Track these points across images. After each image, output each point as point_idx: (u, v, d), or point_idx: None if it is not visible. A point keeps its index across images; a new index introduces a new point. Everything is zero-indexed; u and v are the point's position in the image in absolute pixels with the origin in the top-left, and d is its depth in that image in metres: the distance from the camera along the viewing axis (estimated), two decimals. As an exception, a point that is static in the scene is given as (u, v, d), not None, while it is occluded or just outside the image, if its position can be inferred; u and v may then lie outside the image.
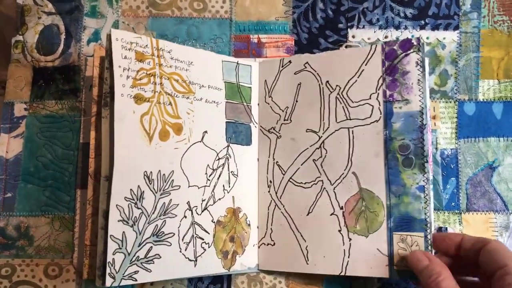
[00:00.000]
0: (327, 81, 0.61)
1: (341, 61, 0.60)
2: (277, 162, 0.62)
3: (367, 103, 0.58)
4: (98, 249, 0.52)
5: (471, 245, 0.52)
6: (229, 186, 0.60)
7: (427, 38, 0.65)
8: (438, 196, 0.63)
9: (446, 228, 0.62)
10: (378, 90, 0.58)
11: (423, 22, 0.66)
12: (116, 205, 0.51)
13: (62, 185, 0.62)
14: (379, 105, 0.58)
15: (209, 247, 0.58)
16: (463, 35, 0.65)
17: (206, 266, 0.57)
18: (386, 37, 0.65)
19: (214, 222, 0.58)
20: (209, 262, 0.57)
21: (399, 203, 0.55)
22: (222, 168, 0.60)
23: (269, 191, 0.62)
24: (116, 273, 0.50)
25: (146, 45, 0.56)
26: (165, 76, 0.57)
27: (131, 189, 0.52)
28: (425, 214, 0.54)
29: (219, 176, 0.59)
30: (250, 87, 0.63)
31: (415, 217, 0.55)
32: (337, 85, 0.60)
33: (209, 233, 0.58)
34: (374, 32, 0.66)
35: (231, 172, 0.60)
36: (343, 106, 0.59)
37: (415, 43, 0.57)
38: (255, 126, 0.63)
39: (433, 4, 0.66)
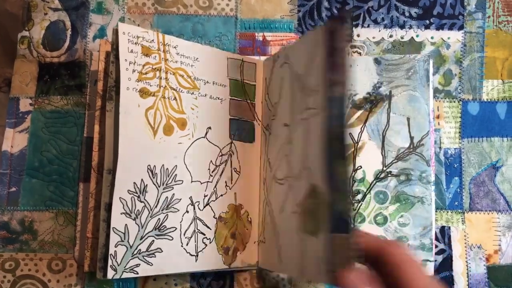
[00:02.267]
0: (296, 71, 0.55)
1: (302, 48, 0.54)
2: (268, 159, 0.60)
3: (317, 90, 0.50)
4: (100, 241, 0.52)
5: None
6: (231, 183, 0.60)
7: (432, 37, 0.65)
8: (441, 195, 0.63)
9: (449, 227, 0.62)
10: (325, 75, 0.48)
11: (427, 21, 0.66)
12: (120, 197, 0.51)
13: (67, 180, 0.63)
14: (325, 91, 0.48)
15: (210, 242, 0.58)
16: (468, 35, 0.66)
17: (207, 261, 0.57)
18: (390, 36, 0.66)
19: (216, 218, 0.58)
20: (210, 257, 0.57)
21: (336, 200, 0.46)
22: (225, 165, 0.60)
23: (263, 189, 0.61)
24: (118, 265, 0.51)
25: (153, 40, 0.56)
26: (171, 71, 0.57)
27: (134, 183, 0.53)
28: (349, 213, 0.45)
29: (222, 172, 0.59)
30: (254, 85, 0.63)
31: (344, 216, 0.45)
32: (300, 74, 0.54)
33: (210, 229, 0.58)
34: (379, 31, 0.66)
35: (233, 168, 0.60)
36: (303, 96, 0.53)
37: (344, 16, 0.48)
38: (258, 124, 0.63)
39: (438, 4, 0.66)
